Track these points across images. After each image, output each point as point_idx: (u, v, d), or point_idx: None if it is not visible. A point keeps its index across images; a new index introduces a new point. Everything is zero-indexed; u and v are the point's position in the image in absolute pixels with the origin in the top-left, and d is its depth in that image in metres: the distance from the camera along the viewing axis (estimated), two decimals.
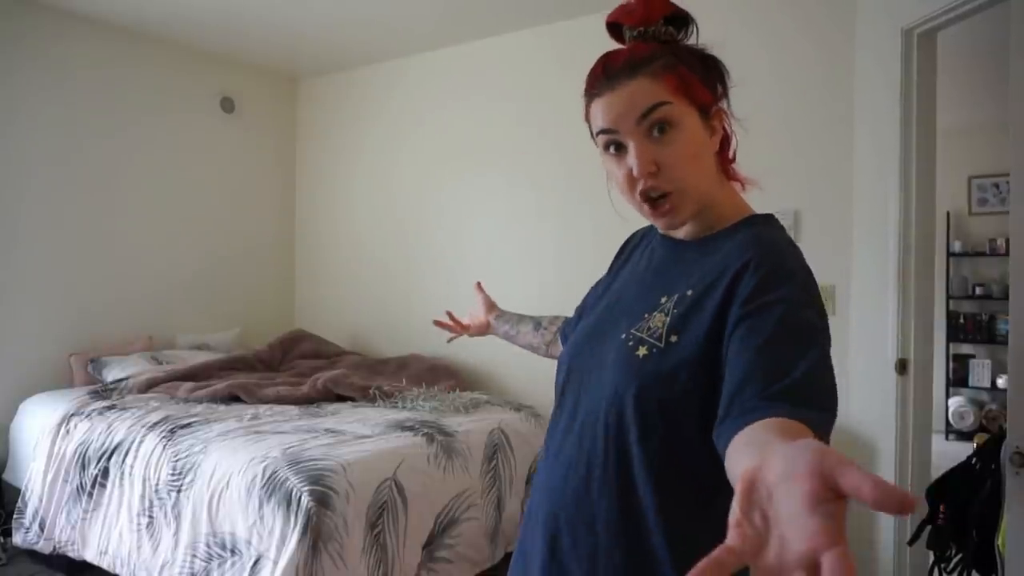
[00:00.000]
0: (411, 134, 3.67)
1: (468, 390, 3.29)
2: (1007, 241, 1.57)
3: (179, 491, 2.16)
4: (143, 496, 2.27)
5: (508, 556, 2.50)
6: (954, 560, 1.60)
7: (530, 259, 3.38)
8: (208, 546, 2.04)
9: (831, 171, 2.60)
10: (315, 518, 1.85)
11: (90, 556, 2.40)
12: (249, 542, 1.95)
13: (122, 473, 2.36)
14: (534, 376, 3.28)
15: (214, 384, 2.94)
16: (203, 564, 2.04)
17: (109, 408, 2.66)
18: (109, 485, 2.39)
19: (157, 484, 2.23)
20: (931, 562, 1.64)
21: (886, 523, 2.29)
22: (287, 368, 3.45)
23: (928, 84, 2.26)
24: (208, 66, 3.84)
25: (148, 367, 3.15)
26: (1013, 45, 1.49)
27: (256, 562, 1.92)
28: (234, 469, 2.08)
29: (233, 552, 1.99)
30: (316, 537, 1.83)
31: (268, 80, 4.15)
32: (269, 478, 1.98)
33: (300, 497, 1.89)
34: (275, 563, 1.86)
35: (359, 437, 2.32)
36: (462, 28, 3.37)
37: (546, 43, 3.30)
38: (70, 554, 2.46)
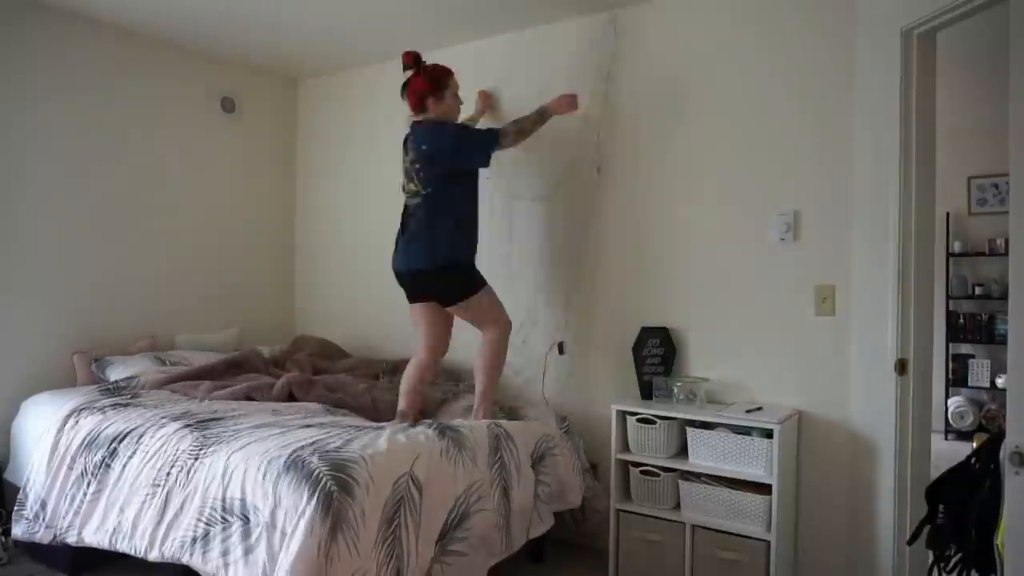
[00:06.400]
0: None
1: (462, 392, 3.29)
2: (1007, 241, 1.57)
3: (197, 458, 2.20)
4: (152, 465, 2.28)
5: (523, 546, 2.51)
6: (953, 560, 1.60)
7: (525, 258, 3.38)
8: (214, 510, 2.06)
9: (831, 171, 2.60)
10: (336, 502, 1.87)
11: (90, 535, 2.37)
12: (258, 508, 1.97)
13: (134, 452, 2.36)
14: (526, 378, 3.29)
15: (227, 384, 2.98)
16: (205, 527, 2.06)
17: (124, 405, 2.67)
18: (116, 464, 2.39)
19: (176, 452, 2.26)
20: (930, 562, 1.64)
21: (886, 523, 2.30)
22: (293, 366, 3.47)
23: (928, 84, 2.26)
24: (209, 66, 3.84)
25: (152, 367, 3.16)
26: (1013, 45, 1.49)
27: (262, 530, 1.94)
28: (257, 449, 2.13)
29: (238, 518, 2.01)
30: (337, 520, 1.85)
31: (268, 80, 4.16)
32: (293, 459, 2.02)
33: (322, 479, 1.91)
34: (285, 534, 1.88)
35: (375, 429, 2.37)
36: (462, 28, 3.37)
37: (545, 44, 3.30)
38: (71, 540, 2.42)
